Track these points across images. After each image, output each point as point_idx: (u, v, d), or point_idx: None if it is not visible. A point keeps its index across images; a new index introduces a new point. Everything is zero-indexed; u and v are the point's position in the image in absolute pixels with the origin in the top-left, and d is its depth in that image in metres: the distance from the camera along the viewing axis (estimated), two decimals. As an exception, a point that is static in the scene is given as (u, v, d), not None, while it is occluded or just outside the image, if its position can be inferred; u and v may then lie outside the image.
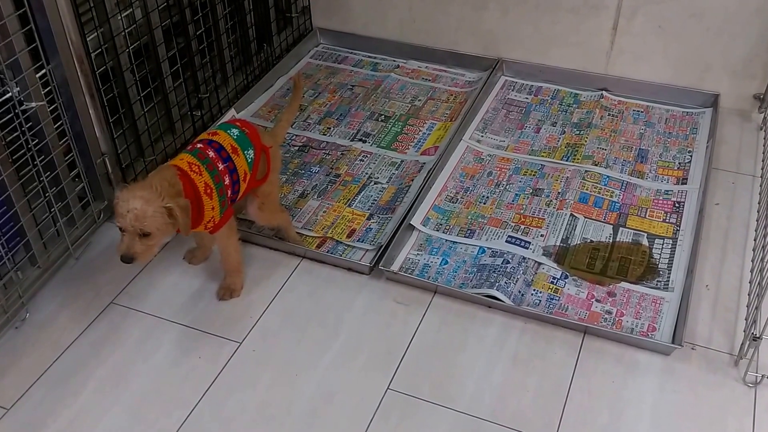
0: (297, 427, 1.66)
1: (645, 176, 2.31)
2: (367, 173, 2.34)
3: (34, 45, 1.78)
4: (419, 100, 2.66)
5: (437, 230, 2.14)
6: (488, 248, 2.08)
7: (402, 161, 2.39)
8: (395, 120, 2.57)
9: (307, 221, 2.17)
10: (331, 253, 2.07)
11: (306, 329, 1.88)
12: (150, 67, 2.20)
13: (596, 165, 2.35)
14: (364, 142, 2.47)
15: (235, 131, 1.86)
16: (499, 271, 1.99)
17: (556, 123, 2.54)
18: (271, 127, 2.09)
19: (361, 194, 2.26)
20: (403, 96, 2.68)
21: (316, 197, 2.25)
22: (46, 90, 1.86)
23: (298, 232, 2.12)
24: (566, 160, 2.37)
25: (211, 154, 1.80)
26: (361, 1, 2.82)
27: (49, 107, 1.87)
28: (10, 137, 1.79)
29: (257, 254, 2.08)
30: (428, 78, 2.77)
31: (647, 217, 2.18)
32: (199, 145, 1.82)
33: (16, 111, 1.77)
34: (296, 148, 2.45)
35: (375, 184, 2.30)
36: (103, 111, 2.01)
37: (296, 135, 2.50)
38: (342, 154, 2.42)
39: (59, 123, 1.91)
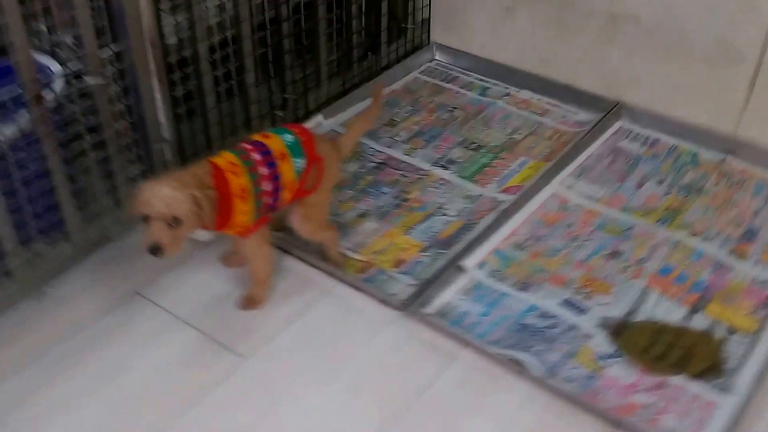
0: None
1: (746, 258, 2.00)
2: (437, 203, 2.19)
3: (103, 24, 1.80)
4: (519, 134, 2.47)
5: (491, 277, 1.96)
6: (539, 307, 1.88)
7: (479, 195, 2.22)
8: (487, 150, 2.39)
9: (357, 243, 2.06)
10: (371, 281, 1.95)
11: (316, 358, 1.77)
12: (234, 60, 2.18)
13: (693, 236, 2.06)
14: (446, 169, 2.32)
15: (289, 137, 1.79)
16: (540, 334, 1.79)
17: (663, 181, 2.27)
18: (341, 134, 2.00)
19: (424, 224, 2.12)
20: (503, 126, 2.50)
21: (375, 219, 2.14)
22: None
23: (342, 253, 2.01)
24: (661, 225, 2.11)
25: (256, 156, 1.73)
26: (482, 20, 2.66)
27: (115, 88, 1.89)
28: (67, 113, 1.82)
29: (294, 268, 2.00)
30: (537, 111, 2.57)
31: (732, 305, 1.88)
32: (246, 146, 1.76)
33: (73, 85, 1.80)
34: (373, 164, 2.34)
35: (442, 215, 2.15)
36: (171, 98, 2.00)
37: (378, 151, 2.39)
38: (419, 178, 2.29)
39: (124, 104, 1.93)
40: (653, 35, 2.35)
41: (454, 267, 1.97)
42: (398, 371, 1.75)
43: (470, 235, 2.06)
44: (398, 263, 2.01)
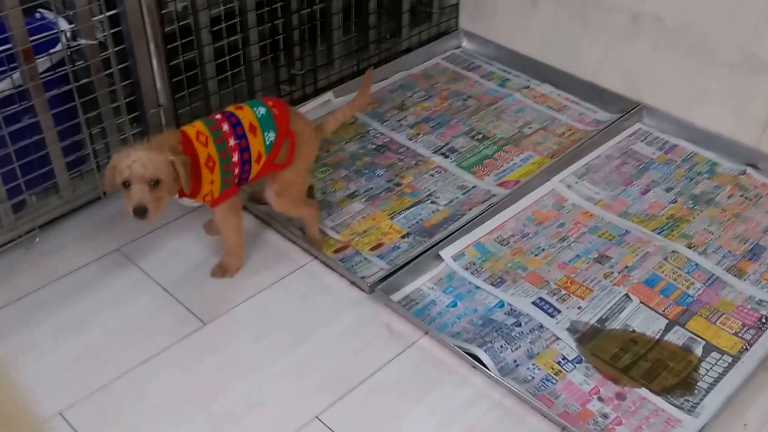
0: (203, 426, 1.57)
1: (744, 277, 1.89)
2: (429, 190, 2.15)
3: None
4: (530, 128, 2.40)
5: (467, 269, 1.92)
6: (508, 304, 1.82)
7: (473, 187, 2.17)
8: (492, 142, 2.33)
9: (340, 223, 2.04)
10: (345, 262, 1.93)
11: (275, 331, 1.77)
12: (238, 31, 2.19)
13: (690, 248, 1.96)
14: (446, 157, 2.27)
15: (262, 110, 1.78)
16: (504, 331, 1.74)
17: (671, 189, 2.16)
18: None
19: (411, 210, 2.09)
20: (515, 119, 2.43)
21: (363, 201, 2.11)
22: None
23: (322, 231, 2.00)
24: (658, 234, 2.01)
25: (225, 127, 1.74)
26: (507, 9, 2.59)
27: (110, 50, 1.92)
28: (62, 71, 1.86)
29: (273, 241, 2.00)
30: (553, 106, 2.49)
31: (718, 323, 1.78)
32: (217, 116, 1.77)
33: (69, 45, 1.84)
34: (374, 146, 2.31)
35: (431, 203, 2.11)
36: (166, 64, 2.02)
37: (381, 133, 2.36)
38: (416, 163, 2.25)
39: (121, 66, 1.96)
40: (676, 37, 2.24)
41: (430, 255, 1.93)
42: (353, 353, 1.72)
43: (454, 226, 2.02)
44: (376, 247, 1.98)
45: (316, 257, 1.95)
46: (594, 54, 2.45)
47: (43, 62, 1.82)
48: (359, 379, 1.67)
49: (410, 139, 2.34)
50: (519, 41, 2.62)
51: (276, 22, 2.27)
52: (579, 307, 1.82)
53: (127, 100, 2.02)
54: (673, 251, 1.96)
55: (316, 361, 1.70)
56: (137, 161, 1.60)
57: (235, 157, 1.75)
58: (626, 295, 1.85)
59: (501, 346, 1.70)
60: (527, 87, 2.57)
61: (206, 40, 2.11)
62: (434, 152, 2.29)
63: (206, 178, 1.73)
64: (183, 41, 2.06)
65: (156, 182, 1.62)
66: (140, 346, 1.72)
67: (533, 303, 1.82)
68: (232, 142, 1.74)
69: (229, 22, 2.14)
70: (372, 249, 1.97)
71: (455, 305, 1.83)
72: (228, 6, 2.12)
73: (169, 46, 2.03)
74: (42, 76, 1.82)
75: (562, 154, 2.26)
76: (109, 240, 1.99)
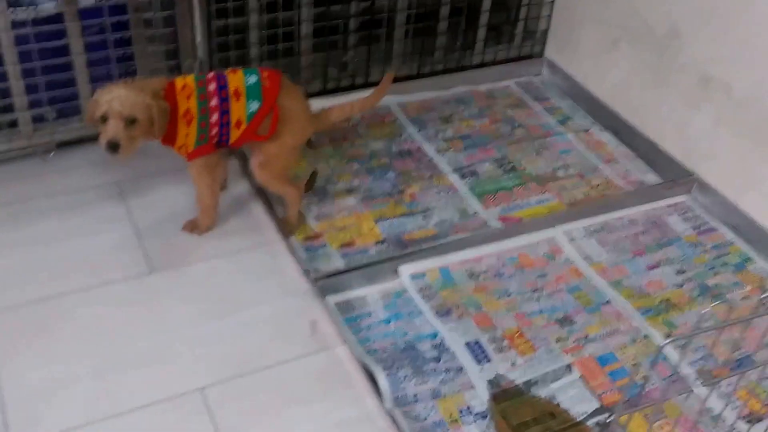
0: (90, 367, 1.62)
1: (713, 386, 1.68)
2: (428, 205, 2.09)
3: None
4: (566, 171, 2.26)
5: (419, 291, 1.85)
6: (441, 337, 1.74)
7: (474, 213, 2.08)
8: (517, 175, 2.22)
9: (324, 212, 2.04)
10: (308, 251, 1.93)
11: (205, 299, 1.79)
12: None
13: (668, 337, 1.78)
14: (463, 178, 2.19)
15: (253, 78, 1.80)
16: (420, 363, 1.67)
17: (683, 272, 1.96)
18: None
19: (398, 219, 2.04)
20: (555, 159, 2.30)
21: (358, 198, 2.09)
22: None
23: (303, 217, 2.00)
24: (642, 314, 1.84)
25: (212, 87, 1.78)
26: (590, 45, 2.45)
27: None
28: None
29: (256, 214, 2.03)
30: (603, 157, 2.32)
31: (654, 426, 1.61)
32: (209, 75, 1.81)
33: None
34: (398, 150, 2.27)
35: (422, 218, 2.05)
36: (208, 21, 2.09)
37: (412, 139, 2.31)
38: (430, 176, 2.19)
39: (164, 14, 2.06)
40: (741, 109, 2.02)
41: (389, 268, 1.88)
42: (267, 339, 1.72)
43: (428, 244, 1.95)
44: (346, 245, 1.96)
45: (282, 238, 1.96)
46: (659, 111, 2.26)
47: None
48: (259, 366, 1.66)
49: (438, 152, 2.28)
50: (595, 82, 2.47)
51: (334, 6, 2.28)
52: (513, 363, 1.71)
53: (168, 48, 2.12)
54: (645, 335, 1.79)
55: (226, 337, 1.72)
56: (116, 98, 1.67)
57: (214, 118, 1.78)
58: (569, 365, 1.71)
59: (406, 376, 1.64)
60: (586, 131, 2.42)
61: (254, 6, 2.16)
62: (454, 170, 2.22)
63: (182, 130, 1.78)
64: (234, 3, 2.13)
65: (132, 121, 1.68)
66: (83, 276, 1.82)
67: (466, 344, 1.73)
68: (213, 102, 1.77)
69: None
70: (340, 246, 1.95)
71: (388, 322, 1.77)
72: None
73: (218, 6, 2.11)
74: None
75: (582, 204, 2.12)
76: (112, 173, 2.10)
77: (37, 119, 2.07)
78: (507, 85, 2.61)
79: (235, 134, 1.82)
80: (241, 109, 1.79)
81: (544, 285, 1.90)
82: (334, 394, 1.63)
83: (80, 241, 1.91)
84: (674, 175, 2.21)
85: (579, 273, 1.95)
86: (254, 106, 1.79)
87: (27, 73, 1.98)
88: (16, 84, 1.98)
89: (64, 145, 2.15)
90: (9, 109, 2.02)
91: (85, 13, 1.97)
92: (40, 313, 1.72)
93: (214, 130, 1.80)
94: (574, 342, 1.76)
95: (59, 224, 1.95)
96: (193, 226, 1.96)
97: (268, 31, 2.24)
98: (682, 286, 1.93)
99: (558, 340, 1.76)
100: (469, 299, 1.85)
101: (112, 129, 1.69)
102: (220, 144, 1.84)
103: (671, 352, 1.76)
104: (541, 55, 2.65)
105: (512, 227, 2.02)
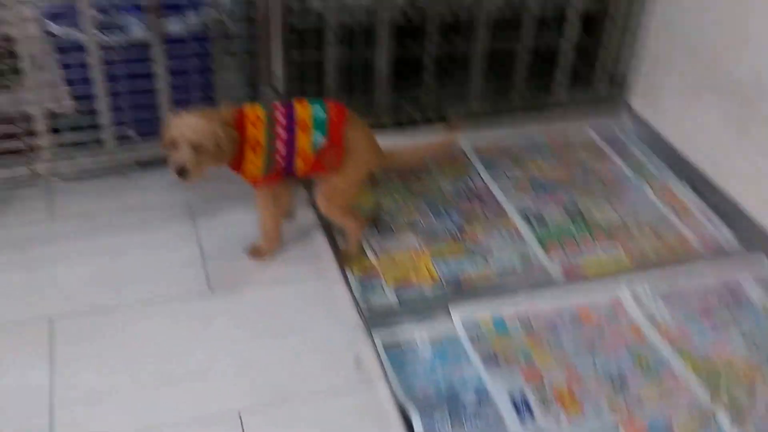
0: (145, 378, 1.68)
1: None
2: (489, 248, 2.07)
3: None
4: (638, 223, 2.19)
5: (469, 337, 1.83)
6: (484, 386, 1.71)
7: (536, 261, 2.04)
8: (585, 223, 2.17)
9: (383, 247, 2.04)
10: (363, 284, 1.94)
11: (258, 321, 1.83)
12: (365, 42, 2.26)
13: (729, 410, 1.69)
14: (529, 223, 2.16)
15: (321, 112, 1.84)
16: (460, 411, 1.64)
17: (755, 345, 1.86)
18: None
19: (457, 259, 2.02)
20: (627, 210, 2.23)
21: (419, 235, 2.09)
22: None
23: (363, 250, 2.02)
24: (703, 380, 1.76)
25: (280, 117, 1.83)
26: (673, 93, 2.37)
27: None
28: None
29: (318, 243, 2.06)
30: (679, 211, 2.24)
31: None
32: (278, 105, 1.85)
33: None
34: (466, 190, 2.26)
35: (483, 260, 2.03)
36: (285, 54, 2.15)
37: (481, 180, 2.30)
38: (495, 218, 2.17)
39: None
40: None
41: (443, 308, 1.87)
42: (310, 367, 1.74)
43: (485, 290, 1.93)
44: (401, 281, 1.96)
45: (341, 269, 1.98)
46: (745, 170, 2.16)
47: (177, 21, 2.05)
48: (298, 394, 1.68)
49: (506, 194, 2.26)
50: (675, 131, 2.39)
51: (410, 43, 2.31)
52: (558, 422, 1.66)
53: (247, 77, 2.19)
54: (703, 407, 1.70)
55: (271, 362, 1.74)
56: (187, 125, 1.75)
57: (280, 148, 1.83)
58: (616, 427, 1.65)
59: (443, 421, 1.62)
60: (663, 182, 2.34)
61: (331, 40, 2.20)
62: (520, 214, 2.19)
63: (249, 157, 1.83)
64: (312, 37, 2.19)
65: (200, 147, 1.75)
66: (145, 289, 1.89)
67: (510, 395, 1.70)
68: (281, 132, 1.82)
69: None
70: (395, 282, 1.95)
71: (433, 364, 1.75)
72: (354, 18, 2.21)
73: (297, 38, 2.17)
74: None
75: (653, 262, 2.05)
76: (184, 194, 2.19)
77: (121, 138, 2.17)
78: (584, 129, 2.56)
79: (299, 165, 1.86)
80: (306, 141, 1.82)
81: (602, 342, 1.84)
82: (362, 428, 1.62)
83: (148, 255, 1.99)
84: (754, 237, 2.11)
85: (640, 333, 1.88)
86: (320, 138, 1.83)
87: (113, 94, 2.09)
88: (103, 103, 2.09)
89: (144, 164, 2.24)
90: (96, 127, 2.13)
91: (170, 41, 2.06)
92: (100, 321, 1.80)
93: (280, 160, 1.84)
94: (625, 404, 1.70)
95: (131, 238, 2.04)
96: (255, 251, 2.00)
97: (345, 65, 2.27)
98: (751, 359, 1.84)
99: (609, 401, 1.71)
100: (520, 349, 1.81)
101: (181, 155, 1.76)
102: (286, 173, 1.88)
103: (732, 429, 1.67)
104: (621, 100, 2.59)
105: (574, 279, 1.97)
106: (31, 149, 2.08)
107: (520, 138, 2.49)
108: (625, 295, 1.97)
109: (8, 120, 2.02)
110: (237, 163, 1.85)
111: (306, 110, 1.84)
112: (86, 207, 2.11)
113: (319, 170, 1.88)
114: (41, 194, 2.14)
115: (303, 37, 2.22)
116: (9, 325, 1.77)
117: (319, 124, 1.83)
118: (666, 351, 1.83)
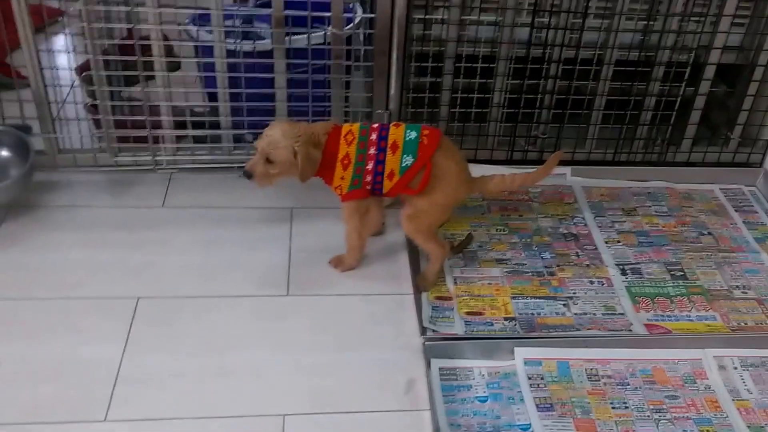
0: (200, 366, 1.77)
1: None
2: (575, 294, 1.99)
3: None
4: (744, 293, 2.02)
5: (529, 378, 1.77)
6: (532, 431, 1.65)
7: (621, 314, 1.94)
8: (684, 285, 2.04)
9: (464, 277, 2.03)
10: (435, 310, 1.93)
11: (323, 330, 1.87)
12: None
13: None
14: (623, 274, 2.06)
15: (413, 134, 1.87)
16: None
17: None
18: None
19: (537, 301, 1.96)
20: (736, 277, 2.07)
21: (504, 271, 2.05)
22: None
23: (443, 276, 2.01)
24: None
25: (373, 137, 1.88)
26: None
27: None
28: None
29: (401, 262, 2.08)
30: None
31: None
32: (374, 125, 1.91)
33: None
34: (565, 232, 2.20)
35: (563, 305, 1.96)
36: (402, 78, 2.20)
37: (584, 224, 2.22)
38: (588, 265, 2.09)
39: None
40: None
41: (507, 346, 1.82)
42: (362, 384, 1.75)
43: (558, 332, 1.86)
44: (474, 313, 1.93)
45: (413, 293, 1.98)
46: None
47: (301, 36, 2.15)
48: (344, 408, 1.69)
49: (606, 243, 2.17)
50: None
51: (532, 81, 2.28)
52: (601, 480, 1.57)
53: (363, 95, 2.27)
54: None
55: (327, 372, 1.77)
56: (269, 137, 1.85)
57: (370, 166, 1.87)
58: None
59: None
60: (780, 260, 2.16)
61: (449, 68, 2.23)
62: (617, 264, 2.09)
63: (338, 172, 1.89)
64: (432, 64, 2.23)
65: (270, 159, 1.85)
66: (228, 283, 1.98)
67: (554, 441, 1.63)
68: (372, 151, 1.87)
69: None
70: (468, 313, 1.93)
71: (484, 401, 1.72)
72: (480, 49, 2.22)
73: (417, 64, 2.22)
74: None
75: (749, 332, 1.89)
76: (288, 198, 2.27)
77: (237, 139, 2.30)
78: (710, 189, 2.40)
79: (387, 185, 1.89)
80: (395, 162, 1.86)
81: (671, 408, 1.73)
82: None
83: (241, 252, 2.09)
84: None
85: (717, 405, 1.74)
86: (408, 160, 1.86)
87: (234, 98, 2.22)
88: (224, 106, 2.23)
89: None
90: (216, 126, 2.27)
91: (293, 53, 2.17)
92: (179, 308, 1.90)
93: (368, 178, 1.89)
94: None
95: (230, 233, 2.15)
96: (338, 262, 2.06)
97: (462, 95, 2.29)
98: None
99: (662, 472, 1.60)
100: (579, 400, 1.73)
101: (252, 161, 1.88)
102: (373, 192, 1.93)
103: None
104: (760, 165, 2.42)
105: (657, 337, 1.86)
106: (156, 140, 2.26)
107: (637, 188, 2.38)
108: (710, 362, 1.83)
109: (140, 111, 2.20)
110: (328, 177, 1.91)
111: (399, 133, 1.87)
112: (196, 199, 2.26)
113: (405, 192, 1.90)
114: (160, 182, 2.31)
115: (423, 63, 2.26)
116: (101, 299, 1.91)
117: (409, 146, 1.86)
118: (742, 429, 1.68)
